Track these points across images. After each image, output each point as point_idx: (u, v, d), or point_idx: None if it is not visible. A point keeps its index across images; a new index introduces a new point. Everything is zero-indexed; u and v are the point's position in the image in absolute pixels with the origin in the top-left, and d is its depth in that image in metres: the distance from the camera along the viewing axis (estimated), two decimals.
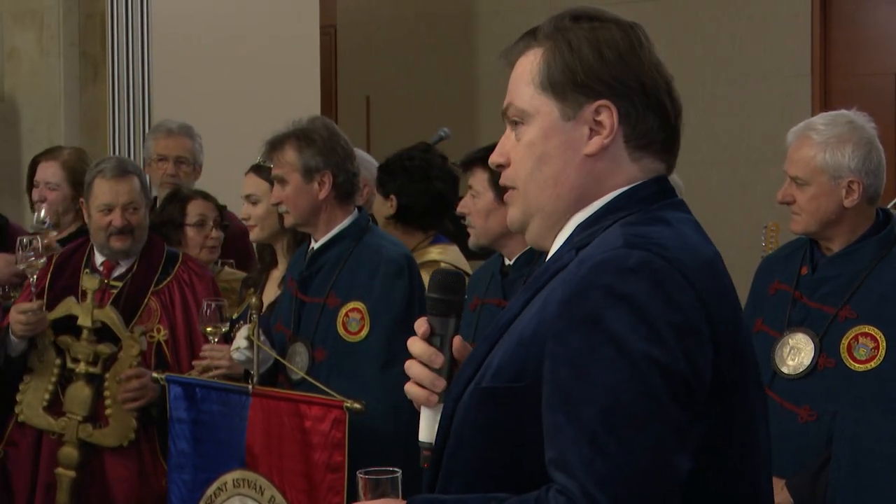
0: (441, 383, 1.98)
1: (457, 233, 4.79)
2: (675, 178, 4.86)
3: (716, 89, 8.26)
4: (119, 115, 6.88)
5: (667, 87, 1.95)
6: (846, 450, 3.34)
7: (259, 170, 4.39)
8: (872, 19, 8.04)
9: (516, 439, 1.86)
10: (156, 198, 5.26)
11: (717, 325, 1.82)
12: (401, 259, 3.97)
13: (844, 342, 3.40)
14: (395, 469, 1.94)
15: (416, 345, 2.00)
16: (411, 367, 2.00)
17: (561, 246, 1.96)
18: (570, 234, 1.95)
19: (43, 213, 4.33)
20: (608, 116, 1.92)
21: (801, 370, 3.44)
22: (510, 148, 1.99)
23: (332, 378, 3.85)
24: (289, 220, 4.06)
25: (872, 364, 3.35)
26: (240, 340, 3.94)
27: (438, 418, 1.97)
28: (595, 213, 1.94)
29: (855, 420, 3.34)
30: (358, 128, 8.90)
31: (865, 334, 3.38)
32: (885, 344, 3.35)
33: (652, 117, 1.94)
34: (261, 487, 3.80)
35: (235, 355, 3.95)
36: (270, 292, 4.41)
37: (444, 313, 2.01)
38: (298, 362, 3.96)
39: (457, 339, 2.01)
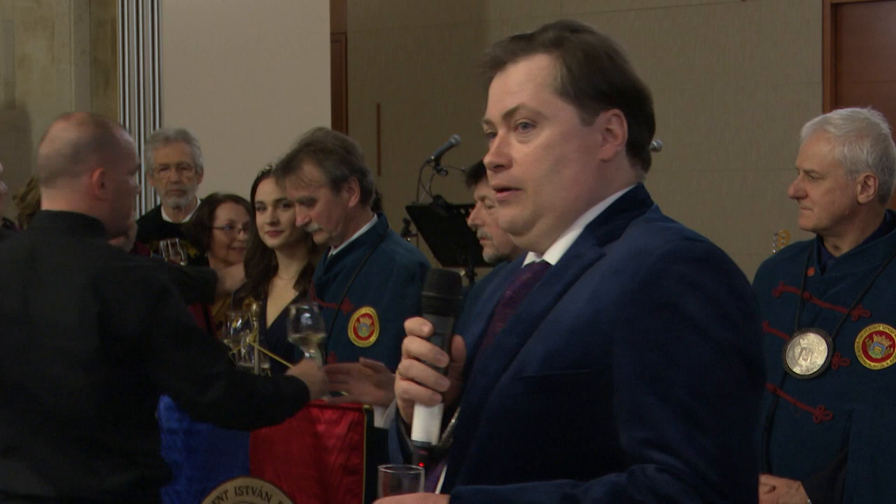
0: (446, 382, 1.95)
1: None
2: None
3: (726, 98, 8.25)
4: (130, 122, 6.89)
5: (650, 99, 2.09)
6: (863, 448, 3.32)
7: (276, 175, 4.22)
8: (883, 26, 8.03)
9: (575, 424, 1.90)
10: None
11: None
12: (413, 266, 3.96)
13: (859, 341, 3.39)
14: (417, 467, 1.91)
15: (417, 343, 1.96)
16: (412, 366, 1.95)
17: (575, 243, 2.02)
18: (582, 233, 2.02)
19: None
20: (619, 125, 2.04)
21: (814, 370, 3.43)
22: (513, 150, 2.05)
23: None
24: (322, 237, 4.00)
25: (889, 362, 3.35)
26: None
27: (435, 417, 1.95)
28: (602, 213, 2.03)
29: (872, 418, 3.33)
30: (368, 136, 8.90)
31: (880, 333, 3.38)
32: None
33: (645, 127, 2.07)
34: (267, 494, 3.78)
35: None
36: (279, 300, 4.33)
37: (444, 312, 1.98)
38: None
39: (457, 339, 1.99)
